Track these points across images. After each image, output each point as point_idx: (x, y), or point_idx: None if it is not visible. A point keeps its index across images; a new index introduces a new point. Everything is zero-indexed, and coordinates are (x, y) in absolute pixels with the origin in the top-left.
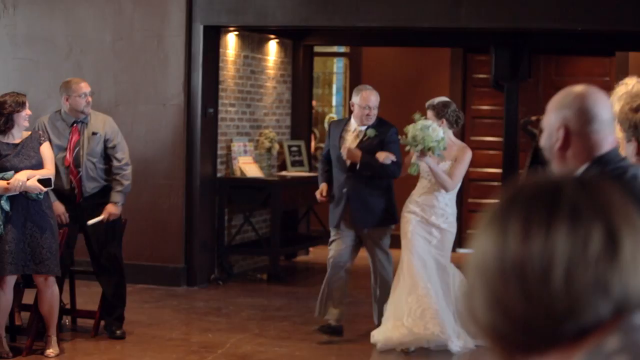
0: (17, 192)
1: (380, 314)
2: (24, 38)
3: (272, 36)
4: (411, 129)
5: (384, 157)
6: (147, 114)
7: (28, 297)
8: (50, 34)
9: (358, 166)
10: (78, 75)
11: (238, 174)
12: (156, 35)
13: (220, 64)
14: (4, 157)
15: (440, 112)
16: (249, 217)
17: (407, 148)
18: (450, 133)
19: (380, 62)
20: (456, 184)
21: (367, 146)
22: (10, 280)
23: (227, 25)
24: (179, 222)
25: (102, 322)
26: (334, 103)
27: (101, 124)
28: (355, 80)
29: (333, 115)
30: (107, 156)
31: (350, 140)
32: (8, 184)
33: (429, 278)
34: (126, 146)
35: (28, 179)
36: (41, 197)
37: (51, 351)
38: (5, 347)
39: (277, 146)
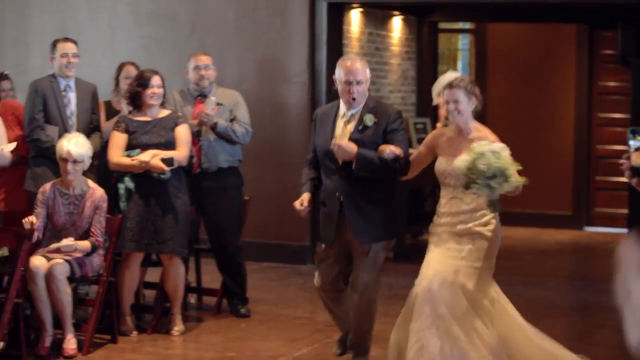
0: (141, 171)
1: (344, 346)
2: (148, 16)
3: (397, 12)
4: (481, 165)
5: (388, 151)
6: (271, 91)
7: (154, 275)
8: (174, 11)
9: (354, 165)
10: None
11: None
12: (279, 13)
13: (345, 41)
14: (132, 134)
15: (468, 87)
16: None
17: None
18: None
19: (506, 38)
20: None
21: (365, 138)
22: (136, 258)
23: (351, 2)
24: None
25: (227, 301)
26: None
27: (228, 97)
28: (480, 56)
29: None
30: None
31: (340, 130)
32: (132, 160)
33: (445, 304)
34: (248, 119)
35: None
36: (164, 177)
37: (176, 329)
38: (130, 325)
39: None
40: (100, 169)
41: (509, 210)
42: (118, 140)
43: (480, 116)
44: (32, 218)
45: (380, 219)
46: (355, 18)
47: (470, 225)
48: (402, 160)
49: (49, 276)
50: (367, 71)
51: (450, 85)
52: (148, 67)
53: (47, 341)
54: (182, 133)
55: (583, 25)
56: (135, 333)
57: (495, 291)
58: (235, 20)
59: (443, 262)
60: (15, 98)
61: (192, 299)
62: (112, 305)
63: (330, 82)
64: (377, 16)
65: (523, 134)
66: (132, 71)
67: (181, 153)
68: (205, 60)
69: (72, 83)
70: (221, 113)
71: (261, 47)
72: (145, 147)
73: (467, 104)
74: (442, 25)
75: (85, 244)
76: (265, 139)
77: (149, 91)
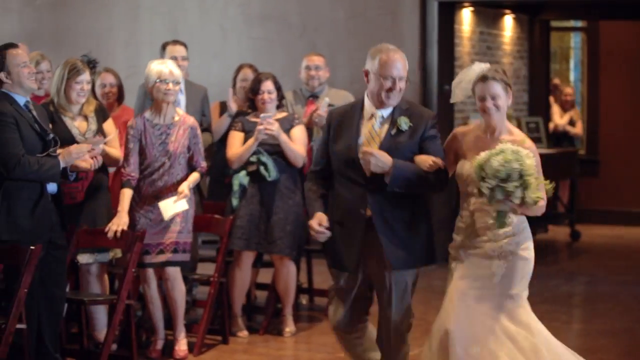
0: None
1: None
2: (258, 17)
3: (508, 11)
4: (495, 162)
5: (429, 164)
6: None
7: (266, 276)
8: (284, 12)
9: (389, 180)
10: None
11: None
12: (390, 12)
13: (456, 41)
14: (247, 133)
15: (505, 80)
16: None
17: (488, 197)
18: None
19: (618, 36)
20: (546, 199)
21: (399, 145)
22: (247, 257)
23: (462, 0)
24: None
25: None
26: (571, 78)
27: (340, 98)
28: (592, 55)
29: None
30: None
31: (367, 133)
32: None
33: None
34: None
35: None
36: (269, 178)
37: (288, 330)
38: (241, 326)
39: (514, 123)
40: (213, 168)
41: (624, 210)
42: (234, 139)
43: (593, 114)
44: (116, 227)
45: (416, 242)
46: (466, 17)
47: (502, 244)
48: (442, 174)
49: (164, 274)
50: (407, 65)
51: (484, 78)
52: (263, 70)
53: (159, 344)
54: (298, 134)
55: None
56: (246, 334)
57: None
58: (346, 20)
59: (472, 319)
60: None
61: (304, 299)
62: (224, 306)
63: (442, 82)
64: (488, 15)
65: (636, 133)
66: (248, 74)
67: (299, 148)
68: (316, 61)
69: (181, 85)
70: None
71: (372, 47)
72: (258, 147)
73: (504, 99)
74: (554, 23)
75: (195, 178)
76: None
77: (259, 97)
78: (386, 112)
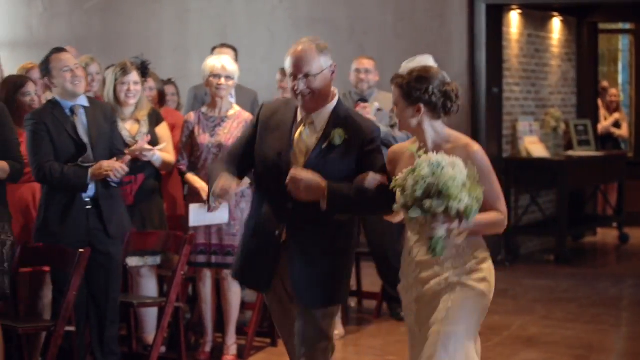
0: None
1: None
2: (306, 20)
3: (556, 14)
4: (410, 178)
5: (369, 179)
6: None
7: None
8: (332, 15)
9: (325, 205)
10: None
11: (524, 154)
12: (438, 15)
13: (504, 43)
14: None
15: (412, 90)
16: (536, 198)
17: (410, 215)
18: (438, 126)
19: None
20: (506, 212)
21: (329, 162)
22: None
23: (510, 3)
24: None
25: (387, 304)
26: (619, 81)
27: (389, 102)
28: None
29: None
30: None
31: (295, 142)
32: None
33: None
34: None
35: None
36: None
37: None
38: None
39: (563, 125)
40: None
41: None
42: None
43: None
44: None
45: (333, 276)
46: (514, 19)
47: (446, 276)
48: (386, 189)
49: (221, 274)
50: (323, 60)
51: (391, 79)
52: None
53: (208, 347)
54: None
55: None
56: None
57: None
58: (394, 23)
59: None
60: (178, 104)
61: (353, 302)
62: None
63: (490, 84)
64: (536, 17)
65: None
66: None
67: None
68: (365, 64)
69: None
70: (381, 118)
71: (420, 50)
72: None
73: (405, 108)
74: (602, 25)
75: (245, 182)
76: None
77: None
78: (320, 119)
